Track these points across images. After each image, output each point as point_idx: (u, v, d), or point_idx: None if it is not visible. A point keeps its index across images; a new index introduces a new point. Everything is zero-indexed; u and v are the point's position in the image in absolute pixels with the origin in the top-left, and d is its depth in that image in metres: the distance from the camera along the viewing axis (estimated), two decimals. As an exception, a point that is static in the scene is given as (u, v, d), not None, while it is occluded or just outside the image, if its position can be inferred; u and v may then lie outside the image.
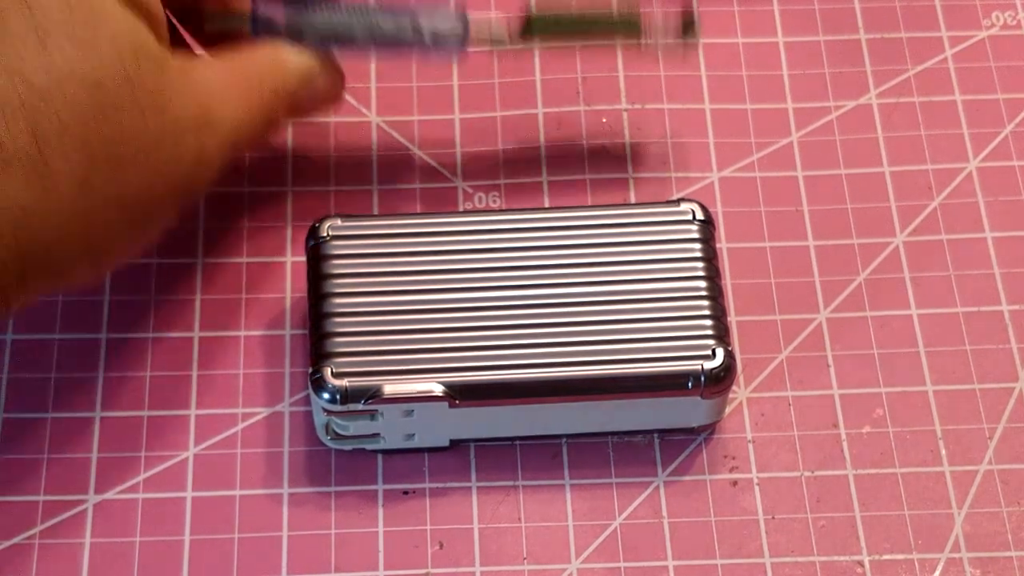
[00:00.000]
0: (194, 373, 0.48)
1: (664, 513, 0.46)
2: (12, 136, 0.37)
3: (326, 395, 0.44)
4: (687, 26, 0.48)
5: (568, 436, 0.47)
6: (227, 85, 0.43)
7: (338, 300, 0.45)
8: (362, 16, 0.46)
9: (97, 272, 0.41)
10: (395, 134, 0.52)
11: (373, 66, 0.53)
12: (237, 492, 0.46)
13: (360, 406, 0.44)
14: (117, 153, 0.39)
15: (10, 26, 0.38)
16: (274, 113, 0.45)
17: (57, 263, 0.39)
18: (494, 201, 0.51)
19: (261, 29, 0.46)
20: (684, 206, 0.47)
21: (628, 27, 0.48)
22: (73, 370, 0.47)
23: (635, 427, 0.47)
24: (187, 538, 0.45)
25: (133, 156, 0.39)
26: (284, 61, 0.45)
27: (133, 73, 0.39)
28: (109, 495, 0.46)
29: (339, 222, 0.46)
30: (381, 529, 0.46)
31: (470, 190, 0.51)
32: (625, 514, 0.46)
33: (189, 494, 0.46)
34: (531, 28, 0.48)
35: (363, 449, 0.46)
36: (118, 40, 0.39)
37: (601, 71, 0.53)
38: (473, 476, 0.46)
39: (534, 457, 0.47)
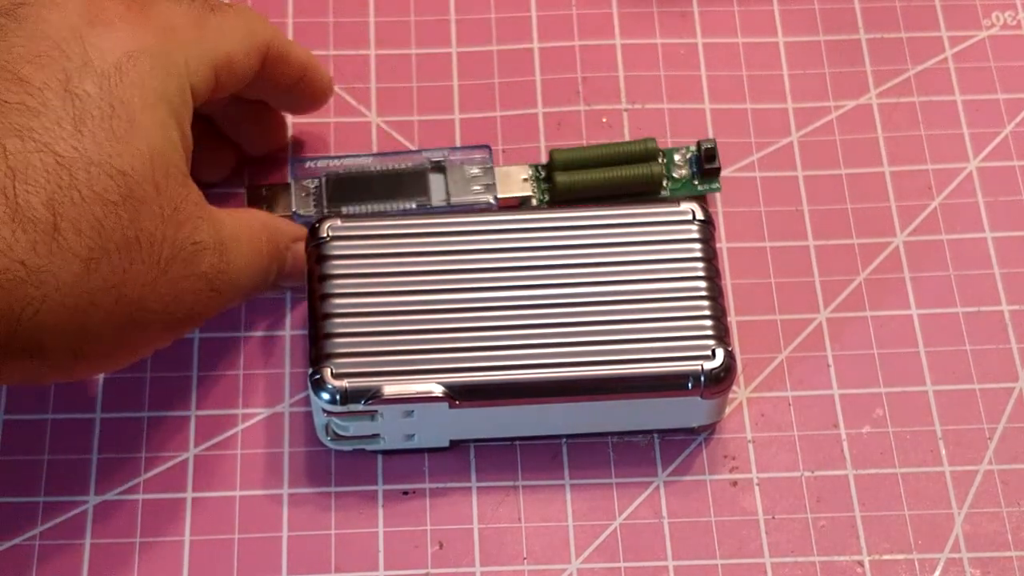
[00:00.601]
0: (194, 373, 0.48)
1: (664, 513, 0.46)
2: (29, 199, 0.38)
3: (326, 396, 0.44)
4: (709, 158, 0.50)
5: (568, 436, 0.47)
6: (238, 228, 0.44)
7: (338, 301, 0.45)
8: (398, 206, 0.49)
9: (74, 367, 0.41)
10: (395, 134, 0.52)
11: (373, 66, 0.53)
12: (237, 492, 0.46)
13: (360, 407, 0.44)
14: (129, 246, 0.40)
15: (50, 105, 0.39)
16: (271, 266, 0.46)
17: (40, 338, 0.39)
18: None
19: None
20: (684, 206, 0.47)
21: (647, 156, 0.50)
22: (73, 370, 0.47)
23: (635, 427, 0.47)
24: (187, 538, 0.45)
25: (144, 256, 0.40)
26: (279, 221, 0.47)
27: (161, 180, 0.41)
28: (109, 496, 0.46)
29: (339, 222, 0.46)
30: (381, 529, 0.46)
31: (470, 190, 0.51)
32: (625, 514, 0.46)
33: (189, 494, 0.46)
34: (553, 163, 0.50)
35: (363, 449, 0.46)
36: (153, 149, 0.40)
37: (601, 71, 0.53)
38: (473, 476, 0.46)
39: (534, 457, 0.47)
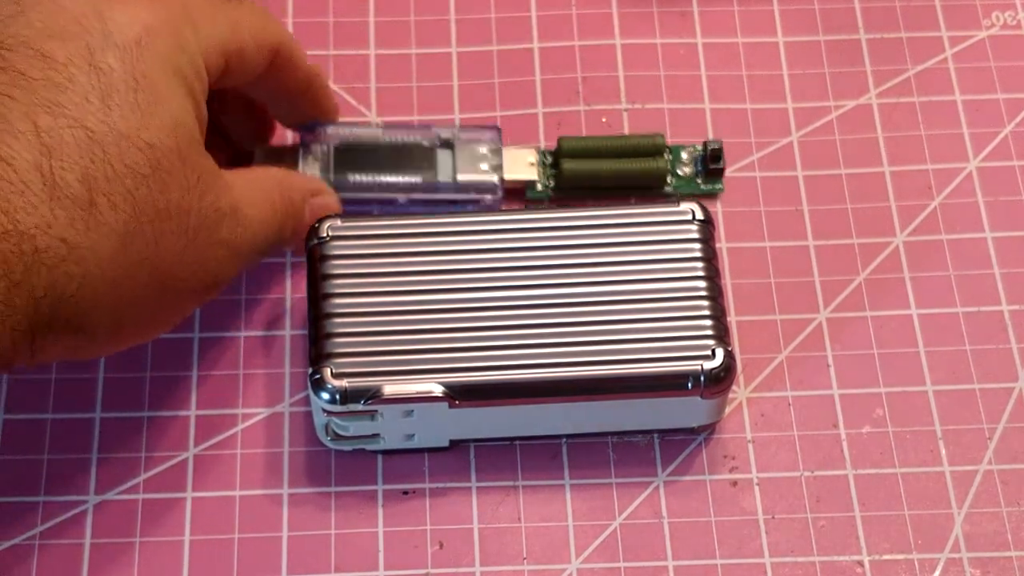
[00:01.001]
0: (194, 373, 0.48)
1: (664, 513, 0.46)
2: (64, 176, 0.39)
3: (326, 395, 0.44)
4: (715, 158, 0.50)
5: (568, 436, 0.47)
6: (251, 190, 0.44)
7: (338, 300, 0.45)
8: (404, 179, 0.49)
9: (112, 340, 0.42)
10: (395, 134, 0.52)
11: (373, 66, 0.53)
12: (237, 492, 0.46)
13: (360, 406, 0.44)
14: (159, 217, 0.40)
15: (77, 80, 0.40)
16: (287, 223, 0.46)
17: (82, 314, 0.40)
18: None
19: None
20: (684, 206, 0.47)
21: (654, 151, 0.50)
22: (73, 371, 0.47)
23: (635, 427, 0.47)
24: (187, 538, 0.45)
25: (173, 227, 0.41)
26: (294, 178, 0.47)
27: (184, 151, 0.41)
28: (109, 495, 0.46)
29: (339, 222, 0.46)
30: (381, 529, 0.46)
31: (470, 190, 0.51)
32: (625, 514, 0.46)
33: (189, 494, 0.46)
34: (561, 150, 0.50)
35: (363, 449, 0.46)
36: (176, 120, 0.41)
37: (601, 71, 0.53)
38: (473, 476, 0.46)
39: (534, 457, 0.47)
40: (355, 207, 0.49)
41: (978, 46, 0.54)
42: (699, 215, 0.47)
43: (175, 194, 0.41)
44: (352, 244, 0.46)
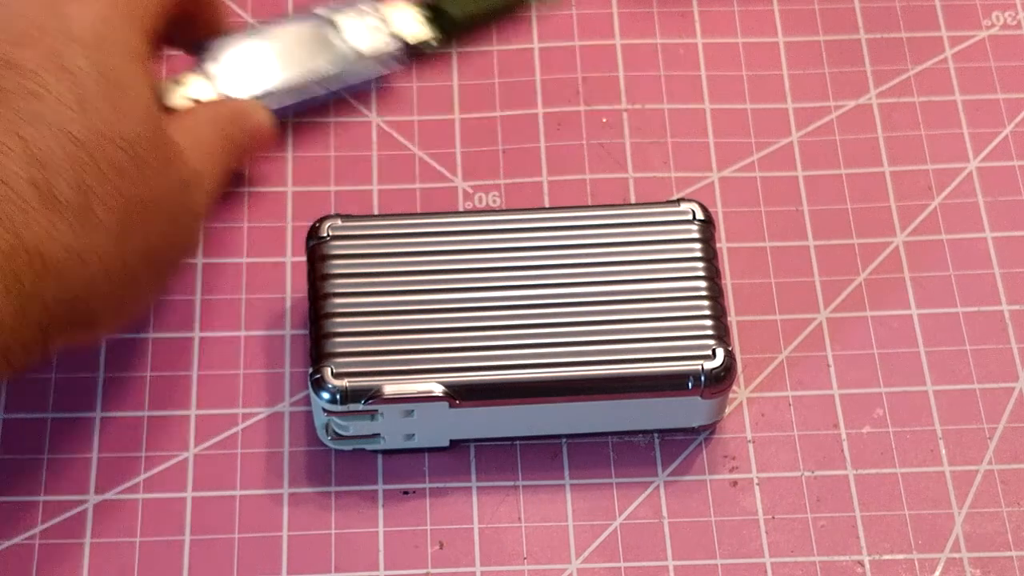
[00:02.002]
0: (194, 373, 0.48)
1: (664, 513, 0.46)
2: (59, 185, 0.39)
3: (326, 395, 0.44)
4: None
5: (568, 436, 0.47)
6: (196, 146, 0.45)
7: (338, 300, 0.45)
8: (309, 71, 0.50)
9: (114, 326, 0.43)
10: (395, 134, 0.52)
11: (373, 66, 0.53)
12: (237, 492, 0.46)
13: (360, 406, 0.44)
14: (146, 208, 0.41)
15: (50, 87, 0.40)
16: (230, 163, 0.47)
17: (88, 311, 0.41)
18: (494, 201, 0.51)
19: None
20: (684, 206, 0.47)
21: None
22: (73, 370, 0.47)
23: (635, 427, 0.47)
24: (187, 538, 0.45)
25: (156, 211, 0.42)
26: (221, 108, 0.48)
27: (154, 136, 0.42)
28: (109, 495, 0.46)
29: (339, 222, 0.46)
30: (381, 529, 0.46)
31: (470, 190, 0.51)
32: (625, 514, 0.46)
33: (189, 494, 0.46)
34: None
35: (363, 449, 0.46)
36: (141, 104, 0.42)
37: (601, 71, 0.53)
38: (473, 476, 0.46)
39: (534, 457, 0.47)
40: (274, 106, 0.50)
41: (978, 46, 0.54)
42: (699, 215, 0.47)
43: (154, 181, 0.42)
44: (352, 244, 0.46)
